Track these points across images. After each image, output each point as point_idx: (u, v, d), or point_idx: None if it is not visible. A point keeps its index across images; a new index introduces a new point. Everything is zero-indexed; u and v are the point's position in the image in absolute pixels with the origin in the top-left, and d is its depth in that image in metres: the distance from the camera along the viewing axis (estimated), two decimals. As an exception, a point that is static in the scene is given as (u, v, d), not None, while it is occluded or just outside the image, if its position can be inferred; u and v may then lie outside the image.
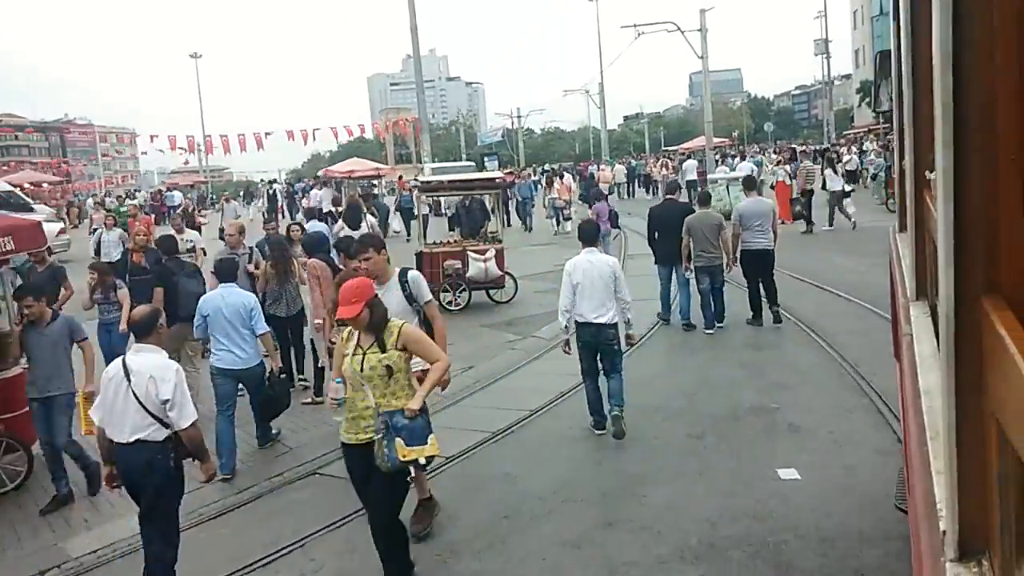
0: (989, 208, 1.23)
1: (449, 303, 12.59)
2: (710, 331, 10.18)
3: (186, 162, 59.06)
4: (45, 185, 38.71)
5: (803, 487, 5.73)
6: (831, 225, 18.89)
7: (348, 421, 4.70)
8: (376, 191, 31.78)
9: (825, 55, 52.60)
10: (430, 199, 14.22)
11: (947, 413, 1.30)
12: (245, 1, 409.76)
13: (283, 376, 7.39)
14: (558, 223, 22.92)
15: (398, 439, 4.36)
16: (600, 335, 6.81)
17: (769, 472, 6.02)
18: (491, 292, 13.15)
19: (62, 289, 9.33)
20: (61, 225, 22.61)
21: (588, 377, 7.06)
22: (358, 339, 4.63)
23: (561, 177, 26.65)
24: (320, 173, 33.64)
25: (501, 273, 12.65)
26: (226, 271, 7.36)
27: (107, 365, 8.29)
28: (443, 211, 22.03)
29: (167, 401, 4.45)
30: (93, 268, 9.02)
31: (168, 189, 41.33)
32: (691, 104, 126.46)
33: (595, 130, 65.32)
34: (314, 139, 43.89)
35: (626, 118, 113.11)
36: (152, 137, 47.35)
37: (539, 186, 30.59)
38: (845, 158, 26.50)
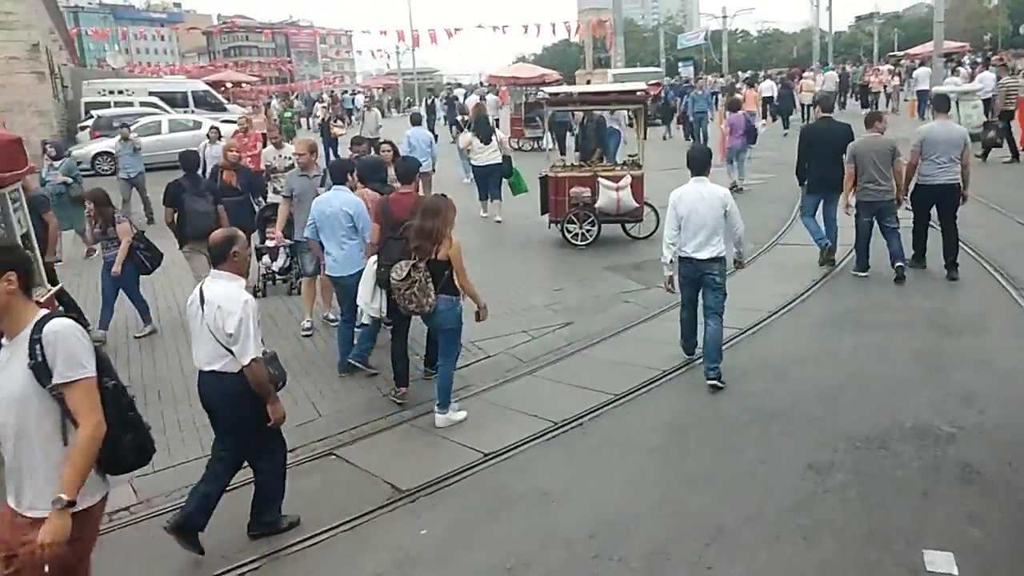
0: None
1: (575, 236, 10.89)
2: (863, 274, 8.73)
3: (387, 64, 59.60)
4: (244, 85, 40.44)
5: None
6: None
7: None
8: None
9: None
10: (566, 114, 12.25)
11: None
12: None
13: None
14: None
15: None
16: (703, 268, 6.28)
17: (911, 555, 4.03)
18: (626, 226, 11.26)
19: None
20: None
21: (685, 309, 6.69)
22: None
23: (751, 84, 23.52)
24: (484, 79, 32.19)
25: (637, 205, 10.70)
26: (337, 172, 7.11)
27: (103, 309, 7.78)
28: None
29: (231, 335, 4.12)
30: (90, 197, 8.15)
31: (353, 92, 41.75)
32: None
33: (822, 32, 58.17)
34: (503, 33, 42.34)
35: (858, 18, 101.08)
36: (364, 31, 47.99)
37: (718, 97, 27.09)
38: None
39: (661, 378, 6.50)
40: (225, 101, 32.95)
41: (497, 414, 6.06)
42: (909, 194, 8.79)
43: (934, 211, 8.82)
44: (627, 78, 29.83)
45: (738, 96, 17.39)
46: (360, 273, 6.37)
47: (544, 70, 24.71)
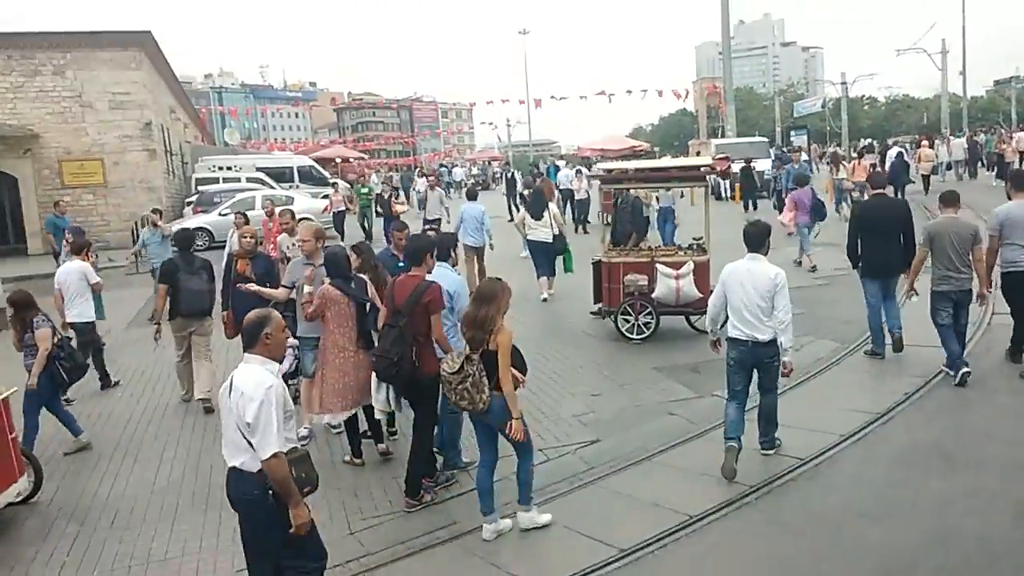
0: None
1: (630, 329, 9.72)
2: (961, 372, 7.32)
3: (498, 137, 60.48)
4: (352, 160, 41.56)
5: None
6: None
7: None
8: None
9: None
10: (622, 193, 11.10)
11: None
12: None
13: None
14: (837, 209, 19.26)
15: None
16: (758, 354, 5.89)
17: None
18: (691, 317, 10.00)
19: None
20: (327, 203, 22.90)
21: (733, 400, 6.02)
22: None
23: (860, 156, 21.78)
24: (573, 150, 31.45)
25: (701, 295, 9.45)
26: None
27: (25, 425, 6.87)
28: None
29: (250, 424, 3.74)
30: (10, 300, 7.46)
31: (452, 165, 42.07)
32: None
33: (954, 97, 54.60)
34: (610, 101, 42.17)
35: (996, 83, 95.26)
36: (488, 102, 48.96)
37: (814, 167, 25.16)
38: None
39: (686, 526, 5.23)
40: (328, 176, 33.80)
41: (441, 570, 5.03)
42: (999, 287, 7.90)
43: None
44: (729, 149, 28.53)
45: (807, 174, 16.35)
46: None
47: (635, 141, 23.77)
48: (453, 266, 6.82)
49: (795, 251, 13.93)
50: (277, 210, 12.08)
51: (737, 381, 5.99)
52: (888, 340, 8.33)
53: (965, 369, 7.30)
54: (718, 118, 70.15)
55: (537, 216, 11.87)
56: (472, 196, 13.93)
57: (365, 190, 21.35)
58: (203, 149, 37.34)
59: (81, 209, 25.13)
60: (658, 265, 9.54)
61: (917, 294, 7.75)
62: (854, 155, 28.31)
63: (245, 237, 8.62)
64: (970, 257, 7.37)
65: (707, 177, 9.82)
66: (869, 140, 42.75)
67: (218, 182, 28.38)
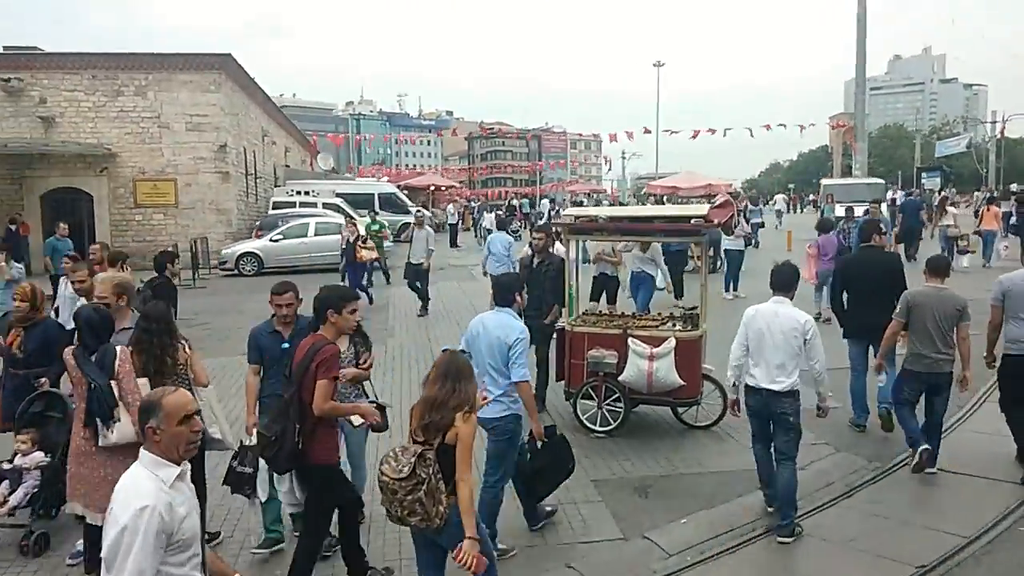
0: None
1: (591, 418, 7.55)
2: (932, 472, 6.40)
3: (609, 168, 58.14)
4: (444, 188, 40.54)
5: None
6: None
7: None
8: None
9: None
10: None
11: None
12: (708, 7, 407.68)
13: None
14: (950, 254, 16.75)
15: None
16: (772, 404, 5.49)
17: None
18: (678, 408, 7.70)
19: None
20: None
21: (757, 442, 5.79)
22: None
23: (990, 203, 18.63)
24: (643, 189, 28.93)
25: (682, 383, 7.16)
26: (503, 289, 5.59)
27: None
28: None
29: (103, 559, 2.74)
30: None
31: (539, 197, 40.04)
32: None
33: None
34: (722, 136, 39.20)
35: None
36: (611, 136, 46.02)
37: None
38: None
39: None
40: (410, 203, 32.88)
41: None
42: (997, 368, 6.73)
43: None
44: (839, 190, 25.39)
45: (829, 217, 15.47)
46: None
47: (712, 180, 21.03)
48: (521, 313, 5.66)
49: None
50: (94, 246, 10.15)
51: (756, 426, 5.77)
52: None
53: (924, 446, 6.32)
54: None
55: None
56: (502, 226, 12.60)
57: (376, 226, 18.87)
58: (298, 173, 37.43)
59: (151, 228, 25.20)
60: (630, 340, 7.33)
61: (888, 373, 6.83)
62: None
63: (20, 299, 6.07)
64: (954, 336, 6.38)
65: (703, 231, 7.46)
66: (1017, 186, 37.53)
67: (295, 206, 28.01)
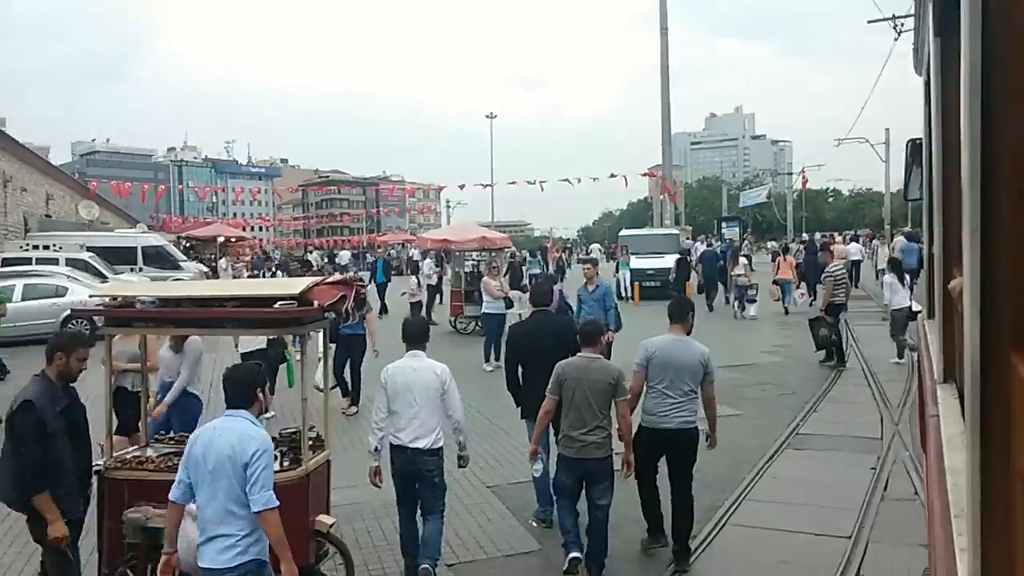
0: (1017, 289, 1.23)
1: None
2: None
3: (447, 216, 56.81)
4: (234, 239, 37.25)
5: None
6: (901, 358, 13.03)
7: None
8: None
9: None
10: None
11: (971, 475, 1.30)
12: (541, 65, 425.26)
13: None
14: (741, 307, 19.30)
15: None
16: (416, 462, 5.35)
17: None
18: None
19: None
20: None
21: (402, 507, 5.59)
22: None
23: (784, 252, 21.52)
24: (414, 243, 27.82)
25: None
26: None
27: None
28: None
29: None
30: None
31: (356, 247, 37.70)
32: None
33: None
34: (570, 184, 39.26)
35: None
36: (461, 186, 46.43)
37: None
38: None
39: None
40: (184, 258, 29.44)
41: None
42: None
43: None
44: (634, 240, 25.10)
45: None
46: None
47: (486, 232, 19.57)
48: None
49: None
50: None
51: (402, 489, 5.57)
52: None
53: (575, 554, 5.57)
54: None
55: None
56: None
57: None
58: (61, 224, 32.97)
59: None
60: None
61: (543, 461, 6.12)
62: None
63: None
64: (608, 413, 5.64)
65: (303, 319, 5.20)
66: (799, 237, 39.15)
67: (30, 262, 24.03)
